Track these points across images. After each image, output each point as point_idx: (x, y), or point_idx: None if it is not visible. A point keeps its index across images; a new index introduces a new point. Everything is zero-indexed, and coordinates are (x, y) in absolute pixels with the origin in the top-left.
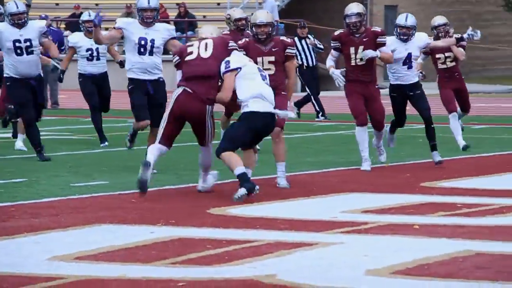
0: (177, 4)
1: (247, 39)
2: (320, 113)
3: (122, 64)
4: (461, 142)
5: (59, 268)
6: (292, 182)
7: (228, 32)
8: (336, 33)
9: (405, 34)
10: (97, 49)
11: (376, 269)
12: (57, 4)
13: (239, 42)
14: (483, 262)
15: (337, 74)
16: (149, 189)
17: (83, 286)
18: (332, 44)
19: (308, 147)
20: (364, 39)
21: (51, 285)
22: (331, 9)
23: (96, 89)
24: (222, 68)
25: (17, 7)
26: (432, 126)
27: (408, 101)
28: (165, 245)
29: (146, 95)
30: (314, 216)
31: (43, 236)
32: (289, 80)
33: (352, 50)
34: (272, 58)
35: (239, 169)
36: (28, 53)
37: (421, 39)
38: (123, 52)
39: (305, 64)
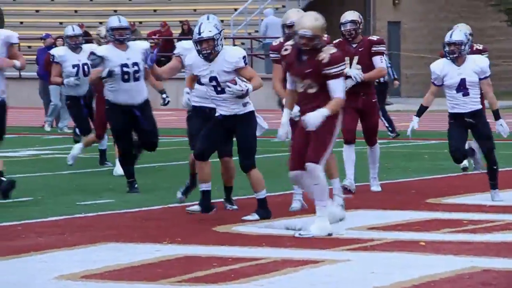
0: (181, 21)
1: (281, 40)
2: (390, 129)
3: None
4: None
5: (66, 287)
6: None
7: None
8: (335, 41)
9: (453, 52)
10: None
11: (382, 286)
12: (60, 23)
13: (273, 43)
14: (489, 279)
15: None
16: (154, 207)
17: None
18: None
19: None
20: (359, 49)
21: None
22: (334, 25)
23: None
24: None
25: (120, 21)
26: (495, 167)
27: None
28: (171, 264)
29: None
30: None
31: (49, 255)
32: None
33: (346, 60)
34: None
35: (263, 193)
36: (135, 79)
37: (478, 64)
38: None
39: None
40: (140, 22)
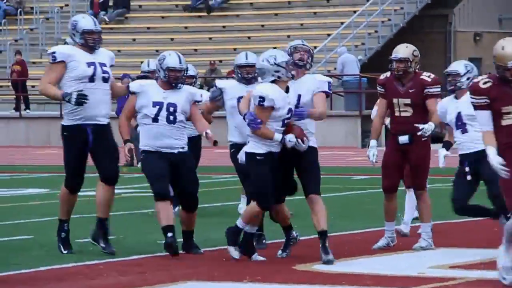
0: None
1: (387, 75)
2: None
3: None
4: None
5: None
6: (378, 237)
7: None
8: (382, 76)
9: (450, 83)
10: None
11: None
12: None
13: (380, 77)
14: None
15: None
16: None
17: None
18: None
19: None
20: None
21: None
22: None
23: None
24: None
25: (246, 58)
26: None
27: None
28: None
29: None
30: (402, 271)
31: None
32: (431, 116)
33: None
34: (408, 101)
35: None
36: None
37: None
38: None
39: None
40: (220, 61)
